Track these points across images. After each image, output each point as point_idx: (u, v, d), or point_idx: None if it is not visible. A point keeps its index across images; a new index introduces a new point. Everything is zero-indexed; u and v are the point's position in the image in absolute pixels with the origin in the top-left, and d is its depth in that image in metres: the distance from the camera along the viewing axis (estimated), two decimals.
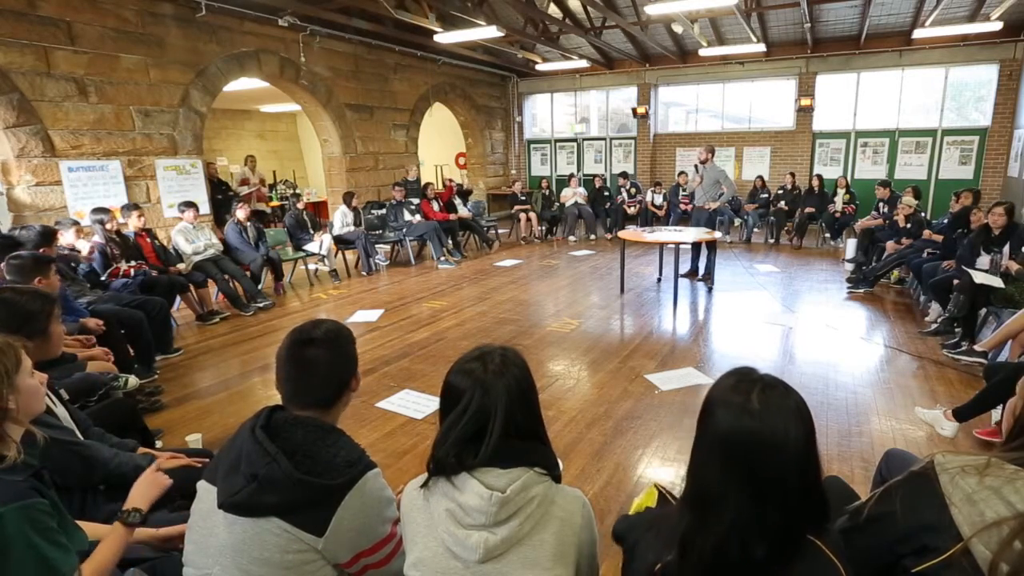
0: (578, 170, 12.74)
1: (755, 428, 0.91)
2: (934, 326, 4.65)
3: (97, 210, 4.98)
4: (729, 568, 0.92)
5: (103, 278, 4.65)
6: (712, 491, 0.95)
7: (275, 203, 10.85)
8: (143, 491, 1.52)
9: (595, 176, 10.90)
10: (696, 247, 6.70)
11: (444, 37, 7.75)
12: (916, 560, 0.98)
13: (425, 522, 1.14)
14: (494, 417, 1.12)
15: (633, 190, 10.59)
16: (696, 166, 6.87)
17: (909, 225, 6.13)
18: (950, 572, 0.93)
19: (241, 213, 6.27)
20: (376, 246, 7.88)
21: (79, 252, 4.62)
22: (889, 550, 1.05)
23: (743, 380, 0.97)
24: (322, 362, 1.29)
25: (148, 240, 5.31)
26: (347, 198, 7.75)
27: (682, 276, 6.32)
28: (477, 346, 1.24)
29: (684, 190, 8.94)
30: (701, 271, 6.69)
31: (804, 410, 0.94)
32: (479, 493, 1.07)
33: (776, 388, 0.96)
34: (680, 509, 1.02)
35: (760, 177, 9.82)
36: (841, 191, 8.79)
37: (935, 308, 4.83)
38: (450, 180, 9.71)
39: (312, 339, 1.30)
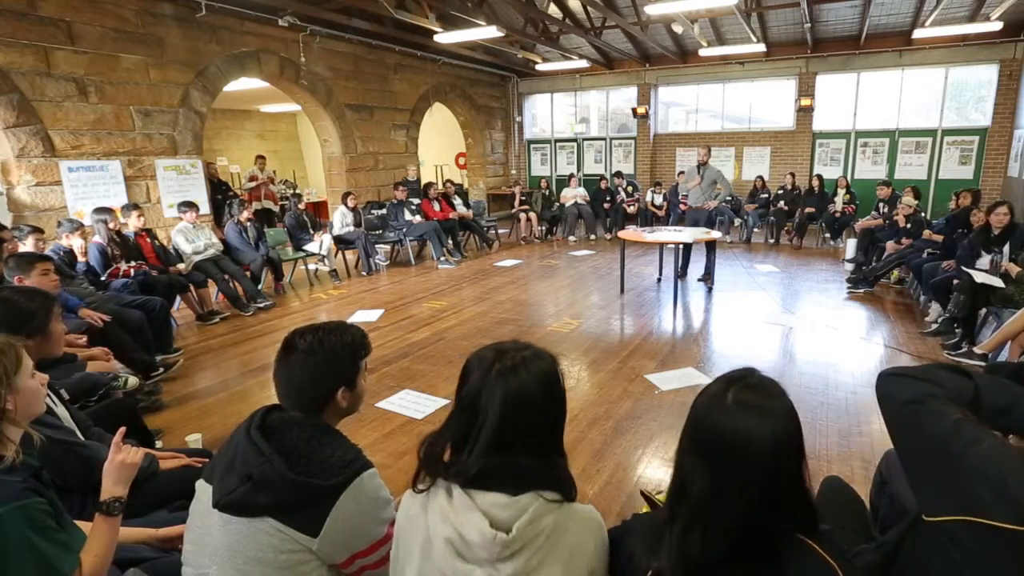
0: (578, 170, 12.74)
1: (720, 423, 0.92)
2: (934, 326, 4.64)
3: (99, 210, 4.98)
4: (708, 568, 0.91)
5: (103, 278, 4.65)
6: (681, 480, 0.96)
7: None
8: (114, 477, 1.42)
9: (601, 178, 10.85)
10: (687, 249, 6.66)
11: (444, 37, 7.74)
12: (957, 505, 0.93)
13: (422, 543, 1.07)
14: (483, 420, 1.03)
15: (631, 188, 10.60)
16: (699, 166, 6.82)
17: (909, 225, 6.14)
18: (986, 538, 0.88)
19: (244, 214, 6.27)
20: (376, 246, 7.88)
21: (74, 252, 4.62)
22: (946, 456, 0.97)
23: (733, 378, 0.98)
24: (296, 373, 1.28)
25: (148, 240, 5.31)
26: (343, 198, 7.75)
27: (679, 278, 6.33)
28: (515, 338, 1.16)
29: (682, 190, 8.82)
30: (700, 272, 6.67)
31: (781, 418, 0.92)
32: (482, 531, 0.98)
33: (758, 390, 0.94)
34: (665, 512, 1.02)
35: (760, 177, 9.83)
36: (841, 191, 8.79)
37: (935, 308, 4.83)
38: (449, 180, 9.78)
39: (295, 347, 1.30)
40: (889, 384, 1.07)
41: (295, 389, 1.29)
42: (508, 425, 1.03)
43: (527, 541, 1.00)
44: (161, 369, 3.95)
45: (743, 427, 0.90)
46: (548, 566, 1.01)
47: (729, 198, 9.64)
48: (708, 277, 6.47)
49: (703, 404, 0.97)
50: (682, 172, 9.60)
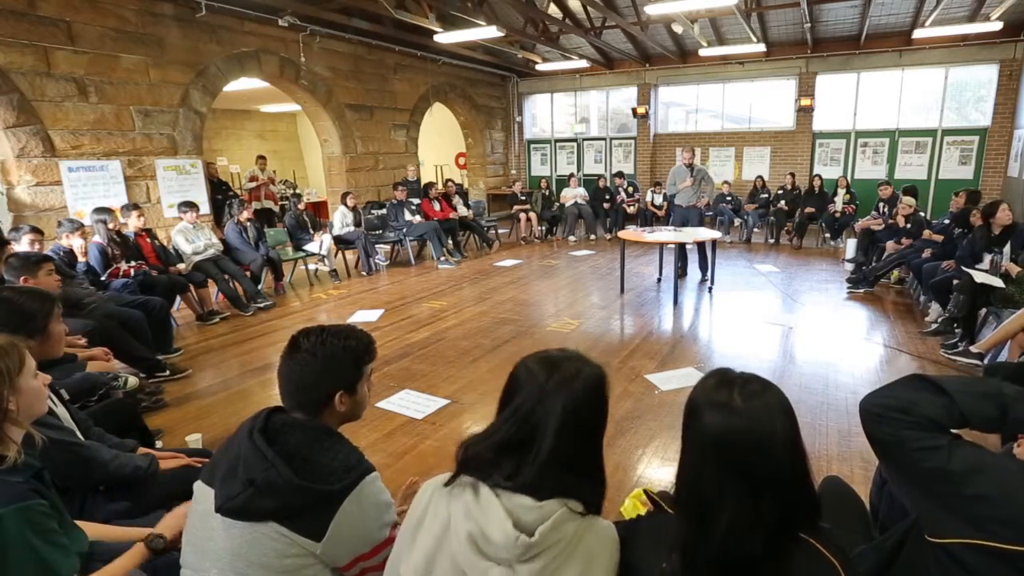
0: (578, 170, 12.75)
1: (743, 426, 0.92)
2: (934, 326, 4.64)
3: (99, 210, 4.98)
4: (732, 569, 0.92)
5: (103, 278, 4.65)
6: (706, 492, 0.95)
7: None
8: (175, 523, 1.50)
9: (599, 177, 10.86)
10: (683, 249, 6.64)
11: (444, 37, 7.74)
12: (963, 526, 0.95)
13: (439, 533, 1.07)
14: (543, 434, 1.03)
15: (631, 189, 10.60)
16: (691, 166, 6.79)
17: (908, 225, 6.14)
18: (990, 558, 0.91)
19: (244, 214, 6.27)
20: (376, 246, 7.88)
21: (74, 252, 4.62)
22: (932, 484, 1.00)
23: (722, 380, 0.98)
24: (297, 372, 1.29)
25: (148, 240, 5.31)
26: (343, 198, 7.76)
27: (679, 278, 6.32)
28: (563, 348, 1.15)
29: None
30: (700, 275, 6.67)
31: (785, 403, 0.96)
32: (505, 530, 0.99)
33: (754, 383, 0.97)
34: (677, 515, 1.02)
35: (760, 177, 9.82)
36: (841, 191, 8.80)
37: (935, 308, 4.83)
38: (450, 180, 9.81)
39: (299, 346, 1.31)
40: (871, 428, 1.07)
41: (295, 388, 1.30)
42: (566, 436, 1.03)
43: (547, 546, 1.00)
44: (167, 371, 3.98)
45: (766, 422, 0.92)
46: (564, 572, 1.01)
47: (729, 197, 9.67)
48: (704, 276, 6.47)
49: (714, 415, 0.95)
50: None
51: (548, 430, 1.02)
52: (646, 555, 1.04)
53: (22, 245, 3.96)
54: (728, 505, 0.91)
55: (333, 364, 1.30)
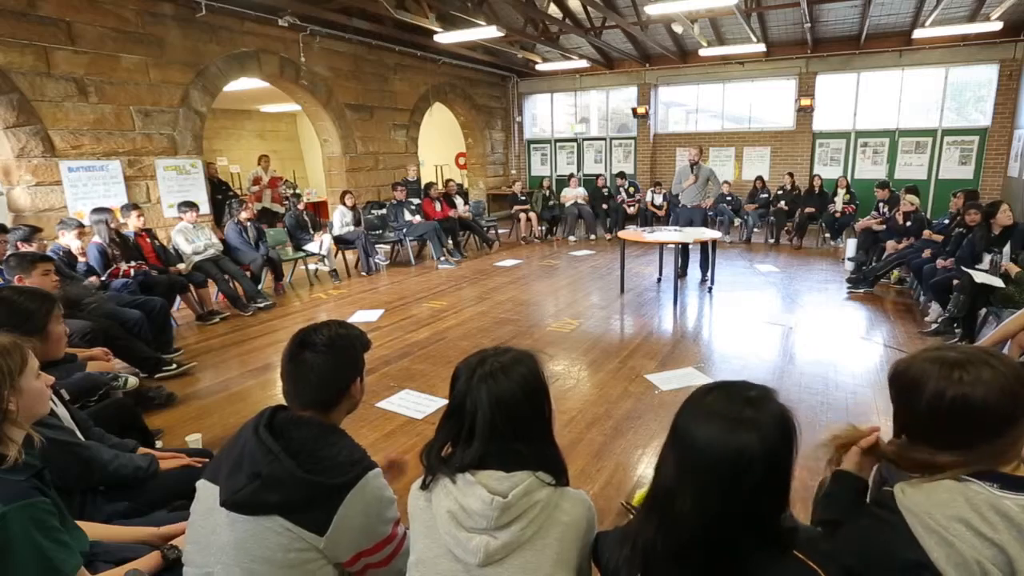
0: (578, 170, 12.74)
1: (705, 431, 0.92)
2: (934, 326, 4.65)
3: (99, 210, 4.98)
4: (677, 562, 0.92)
5: (103, 278, 4.65)
6: (664, 480, 0.96)
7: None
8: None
9: (598, 176, 10.88)
10: (687, 248, 6.66)
11: (444, 37, 7.74)
12: None
13: (426, 522, 1.15)
14: (473, 421, 1.14)
15: (632, 189, 10.61)
16: (692, 165, 6.79)
17: (909, 223, 6.13)
18: None
19: (244, 214, 6.27)
20: (376, 246, 7.88)
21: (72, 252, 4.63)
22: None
23: (724, 387, 0.98)
24: (316, 367, 1.30)
25: (148, 240, 5.31)
26: (341, 197, 7.77)
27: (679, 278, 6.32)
28: (497, 345, 1.25)
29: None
30: (700, 275, 6.67)
31: (757, 445, 0.87)
32: (481, 497, 1.07)
33: (747, 406, 0.91)
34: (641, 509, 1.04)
35: (760, 177, 9.83)
36: (841, 191, 8.80)
37: (935, 308, 4.84)
38: (450, 180, 9.84)
39: (311, 343, 1.32)
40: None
41: (314, 384, 1.31)
42: (497, 422, 1.13)
43: (522, 511, 1.08)
44: (174, 365, 4.00)
45: (716, 441, 0.89)
46: (542, 537, 1.09)
47: (729, 197, 9.66)
48: (704, 276, 6.46)
49: (687, 405, 0.99)
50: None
51: (479, 417, 1.13)
52: (612, 550, 1.07)
53: (32, 247, 3.98)
54: (679, 495, 0.92)
55: (349, 353, 1.36)
